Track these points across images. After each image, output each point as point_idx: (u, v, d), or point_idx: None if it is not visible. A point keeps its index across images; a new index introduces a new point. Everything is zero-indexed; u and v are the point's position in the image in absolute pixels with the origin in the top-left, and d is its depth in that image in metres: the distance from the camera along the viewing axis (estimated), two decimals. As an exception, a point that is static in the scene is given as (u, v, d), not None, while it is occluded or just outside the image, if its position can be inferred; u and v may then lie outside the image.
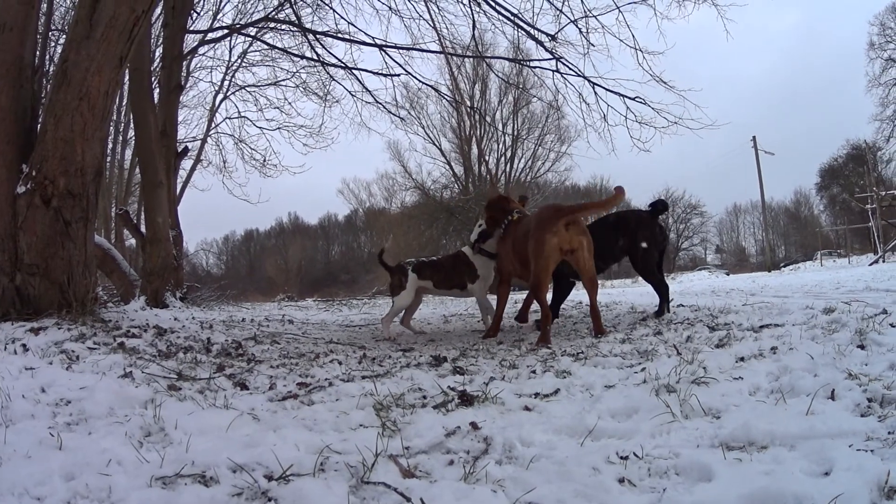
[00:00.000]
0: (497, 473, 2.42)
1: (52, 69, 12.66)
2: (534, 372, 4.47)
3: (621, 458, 2.49)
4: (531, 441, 2.77)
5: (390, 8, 15.93)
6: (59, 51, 10.93)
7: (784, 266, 56.32)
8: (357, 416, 3.27)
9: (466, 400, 3.55)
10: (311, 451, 2.65)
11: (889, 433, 2.47)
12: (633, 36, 14.25)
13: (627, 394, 3.48)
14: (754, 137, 59.36)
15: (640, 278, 8.83)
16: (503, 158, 61.52)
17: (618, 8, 13.99)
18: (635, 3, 14.03)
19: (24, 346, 4.56)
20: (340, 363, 5.16)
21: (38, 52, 6.68)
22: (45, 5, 8.08)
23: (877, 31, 55.16)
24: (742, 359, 4.15)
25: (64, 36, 16.41)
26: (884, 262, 34.52)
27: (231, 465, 2.46)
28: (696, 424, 2.82)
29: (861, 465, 2.17)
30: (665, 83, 14.33)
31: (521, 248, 7.33)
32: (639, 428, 2.85)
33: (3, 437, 2.62)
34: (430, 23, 15.82)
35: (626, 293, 22.25)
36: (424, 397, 3.74)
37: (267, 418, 3.26)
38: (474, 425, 2.99)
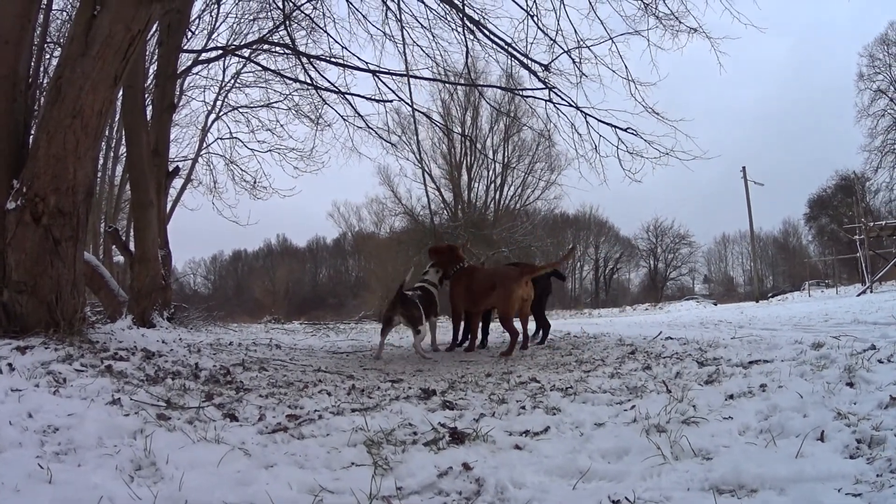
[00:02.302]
0: None
1: (46, 81, 12.64)
2: (523, 408, 4.42)
3: (613, 501, 2.49)
4: (523, 483, 2.75)
5: (385, 34, 16.01)
6: (54, 63, 10.89)
7: (772, 296, 56.75)
8: (348, 453, 3.24)
9: (457, 438, 3.52)
10: (305, 491, 2.64)
11: (877, 476, 2.49)
12: (626, 67, 14.43)
13: (618, 433, 3.47)
14: (744, 168, 59.88)
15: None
16: (493, 185, 61.64)
17: (611, 38, 14.16)
18: (629, 34, 14.13)
19: (10, 365, 4.45)
20: (329, 394, 5.09)
21: (32, 65, 6.63)
22: (42, 17, 8.05)
23: (866, 63, 56.14)
24: (731, 396, 4.16)
25: (59, 48, 16.43)
26: (871, 292, 34.74)
27: None
28: (686, 466, 2.81)
29: None
30: (657, 114, 14.43)
31: (479, 290, 10.07)
32: (630, 470, 2.83)
33: (-8, 468, 2.55)
34: (424, 49, 15.92)
35: (613, 323, 22.26)
36: (415, 433, 3.70)
37: (258, 453, 3.21)
38: (466, 465, 2.96)
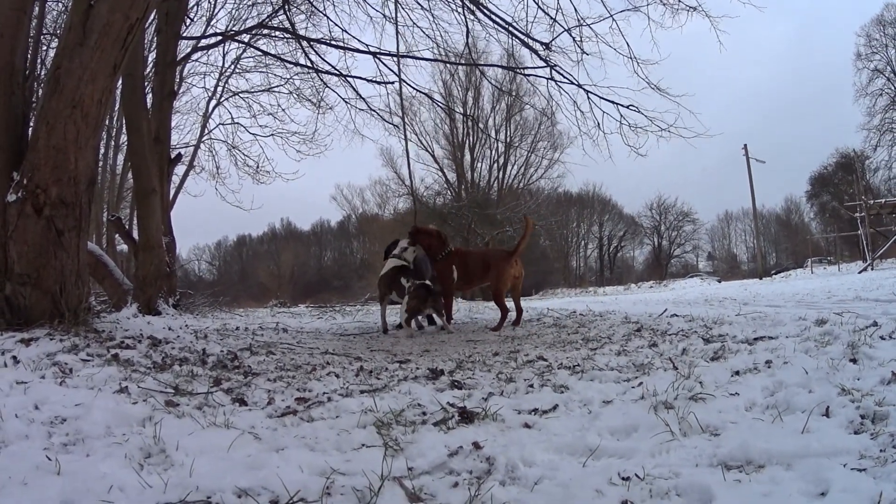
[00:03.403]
0: (502, 496, 2.39)
1: (43, 73, 12.60)
2: (531, 386, 4.41)
3: (623, 479, 2.47)
4: (533, 461, 2.74)
5: (384, 16, 15.94)
6: (51, 55, 10.83)
7: (775, 273, 56.74)
8: (359, 434, 3.22)
9: (467, 417, 3.52)
10: (316, 473, 2.62)
11: (881, 451, 2.50)
12: (628, 45, 14.39)
13: (626, 410, 3.47)
14: (745, 145, 59.80)
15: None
16: (496, 165, 61.66)
17: (611, 16, 14.10)
18: (628, 10, 14.08)
19: (14, 357, 4.44)
20: (338, 376, 5.08)
21: (29, 58, 6.59)
22: (37, 9, 8.01)
23: (863, 42, 56.27)
24: (737, 373, 4.17)
25: (56, 40, 16.37)
26: (872, 269, 34.78)
27: (236, 489, 2.42)
28: (694, 443, 2.81)
29: (856, 485, 2.20)
30: (660, 90, 14.39)
31: (474, 270, 11.26)
32: (639, 447, 2.83)
33: (-2, 462, 2.53)
34: (424, 31, 15.86)
35: (618, 301, 22.27)
36: (424, 413, 3.70)
37: (268, 437, 3.20)
38: (476, 445, 2.96)
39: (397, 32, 14.85)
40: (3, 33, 5.98)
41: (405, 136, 15.41)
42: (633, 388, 4.05)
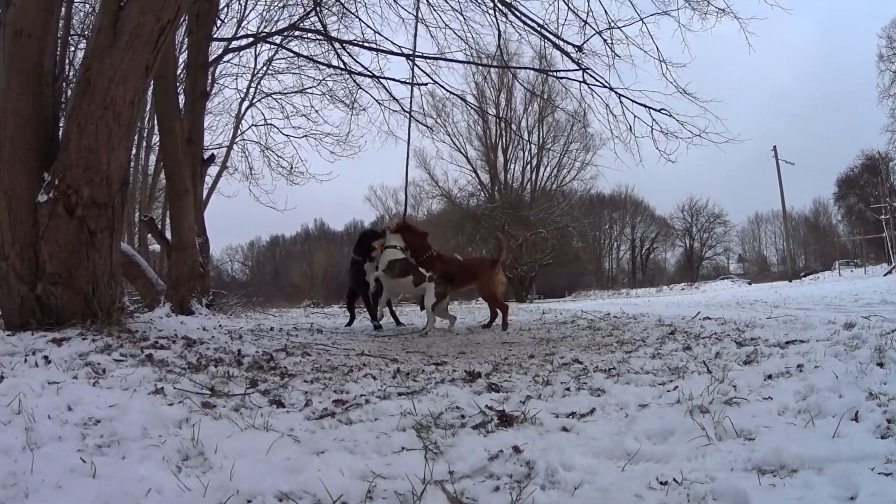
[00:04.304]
0: (543, 501, 2.38)
1: (72, 74, 12.64)
2: (568, 389, 4.39)
3: (661, 483, 2.46)
4: (572, 465, 2.73)
5: (416, 17, 15.90)
6: (79, 56, 10.83)
7: (804, 276, 56.89)
8: (398, 437, 3.19)
9: (506, 420, 3.49)
10: (357, 477, 2.59)
11: None
12: (657, 47, 14.49)
13: (662, 414, 3.47)
14: (775, 147, 59.57)
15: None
16: (529, 167, 61.88)
17: (641, 20, 14.15)
18: (658, 14, 14.03)
19: (45, 357, 4.40)
20: (375, 378, 5.04)
21: (57, 58, 6.57)
22: (64, 10, 8.00)
23: (885, 44, 55.78)
24: (770, 376, 4.17)
25: (84, 41, 16.46)
26: (897, 272, 34.70)
27: (277, 493, 2.39)
28: (729, 447, 2.81)
29: (883, 489, 2.24)
30: (688, 94, 14.48)
31: (464, 276, 12.06)
32: (675, 451, 2.83)
33: (31, 464, 2.49)
34: (457, 32, 15.85)
35: (651, 303, 22.26)
36: (463, 416, 3.66)
37: (307, 439, 3.15)
38: (517, 449, 2.93)
39: (416, 31, 14.83)
40: (30, 34, 5.94)
41: (408, 136, 15.41)
42: (668, 391, 4.05)
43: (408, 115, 16.02)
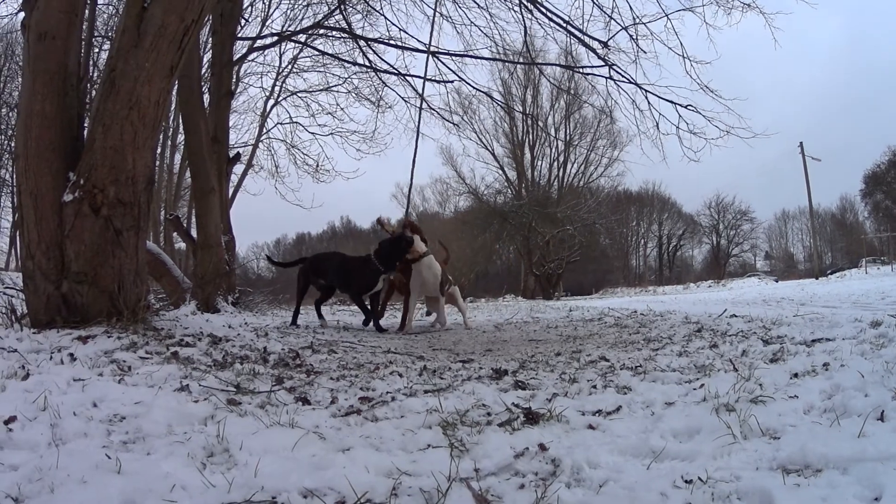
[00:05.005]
0: (569, 499, 2.36)
1: (96, 75, 12.71)
2: (594, 387, 4.36)
3: (686, 481, 2.44)
4: (598, 463, 2.72)
5: (442, 14, 15.90)
6: (103, 57, 10.86)
7: (830, 273, 56.56)
8: (424, 434, 3.18)
9: (532, 418, 3.47)
10: (383, 474, 2.59)
11: None
12: (682, 44, 14.35)
13: (688, 412, 3.44)
14: (801, 143, 59.16)
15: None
16: (556, 163, 61.83)
17: (666, 15, 14.03)
18: (683, 10, 13.97)
19: (71, 355, 4.43)
20: (401, 375, 5.04)
21: (81, 60, 6.59)
22: (88, 11, 8.03)
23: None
24: (796, 375, 4.10)
25: (108, 42, 16.54)
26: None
27: (302, 490, 2.38)
28: (755, 446, 2.78)
29: None
30: (711, 91, 14.35)
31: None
32: (701, 449, 2.80)
33: (56, 460, 2.49)
34: (482, 29, 15.84)
35: (678, 300, 22.19)
36: (489, 414, 3.64)
37: (332, 436, 3.14)
38: (542, 446, 2.92)
39: (433, 25, 14.84)
40: (54, 36, 5.97)
41: (417, 130, 15.36)
42: (694, 389, 4.02)
43: (419, 109, 16.07)
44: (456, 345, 8.13)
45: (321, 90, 25.49)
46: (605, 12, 14.52)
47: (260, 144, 29.53)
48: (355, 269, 11.36)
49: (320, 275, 11.89)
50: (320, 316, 12.13)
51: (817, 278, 49.63)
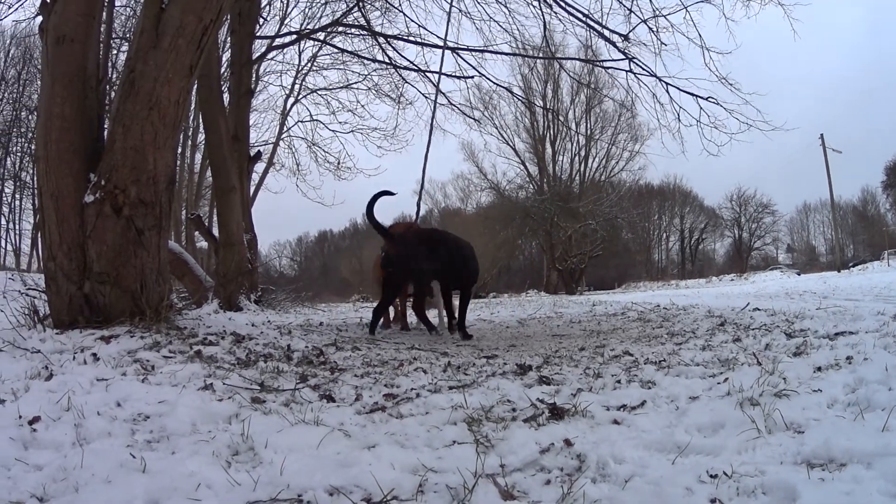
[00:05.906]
0: (594, 494, 2.35)
1: (115, 77, 12.77)
2: (619, 382, 4.36)
3: (711, 476, 2.46)
4: (623, 458, 2.72)
5: (461, 10, 15.92)
6: (122, 59, 10.90)
7: (852, 266, 56.27)
8: (449, 431, 3.17)
9: (557, 414, 3.45)
10: (408, 471, 2.59)
11: None
12: (700, 35, 14.31)
13: (712, 407, 3.44)
14: (822, 136, 58.73)
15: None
16: (577, 158, 61.84)
17: (685, 7, 13.96)
18: (700, 2, 13.91)
19: (94, 355, 4.44)
20: (425, 372, 5.03)
21: (100, 62, 6.60)
22: (105, 14, 8.06)
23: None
24: (819, 368, 4.13)
25: (126, 44, 16.62)
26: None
27: (328, 487, 2.38)
28: (779, 440, 2.79)
29: None
30: (730, 84, 14.34)
31: None
32: (725, 444, 2.82)
33: (81, 459, 2.50)
34: (501, 24, 15.84)
35: (700, 294, 22.20)
36: (514, 410, 3.64)
37: (357, 433, 3.14)
38: (567, 442, 2.92)
39: (448, 19, 14.79)
40: (73, 39, 5.98)
41: (430, 124, 15.33)
42: (718, 383, 4.01)
43: (434, 103, 15.90)
44: (480, 341, 8.14)
45: (341, 87, 25.60)
46: (624, 5, 14.51)
47: (281, 142, 29.66)
48: (472, 258, 9.45)
49: (431, 263, 8.85)
50: (427, 323, 9.27)
51: (839, 271, 49.44)
